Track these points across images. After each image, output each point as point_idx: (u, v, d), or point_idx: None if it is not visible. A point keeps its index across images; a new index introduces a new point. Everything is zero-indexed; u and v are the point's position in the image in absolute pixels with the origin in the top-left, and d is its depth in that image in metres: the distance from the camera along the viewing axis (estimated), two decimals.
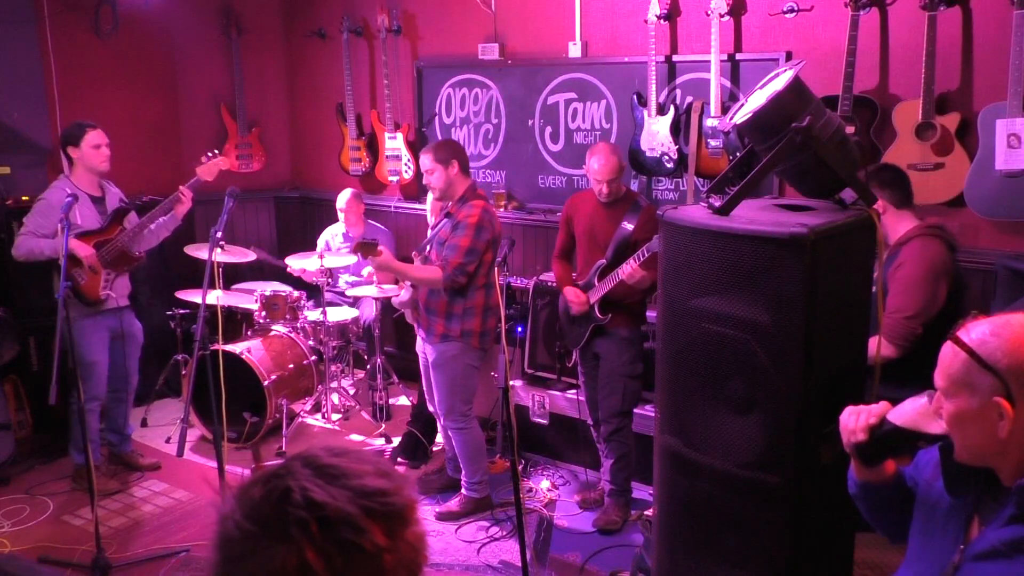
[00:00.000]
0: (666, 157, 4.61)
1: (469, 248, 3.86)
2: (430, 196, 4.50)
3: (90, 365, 4.27)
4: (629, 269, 3.78)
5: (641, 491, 4.24)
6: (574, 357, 4.33)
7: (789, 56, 4.26)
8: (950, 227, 3.74)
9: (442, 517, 4.17)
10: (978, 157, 3.74)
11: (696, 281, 2.24)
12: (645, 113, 4.64)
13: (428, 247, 4.08)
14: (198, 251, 5.04)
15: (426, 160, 3.98)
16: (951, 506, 1.66)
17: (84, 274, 4.20)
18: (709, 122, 4.40)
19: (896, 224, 3.24)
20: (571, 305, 4.03)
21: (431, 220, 4.60)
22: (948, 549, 1.63)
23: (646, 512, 3.90)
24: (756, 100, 2.35)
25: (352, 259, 5.45)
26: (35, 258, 4.18)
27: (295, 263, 5.35)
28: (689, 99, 4.60)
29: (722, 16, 4.28)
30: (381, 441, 5.04)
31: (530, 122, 5.32)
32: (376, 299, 5.17)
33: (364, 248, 3.89)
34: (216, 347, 4.30)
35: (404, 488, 1.03)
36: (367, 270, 4.92)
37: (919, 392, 1.67)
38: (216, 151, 4.57)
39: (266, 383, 4.85)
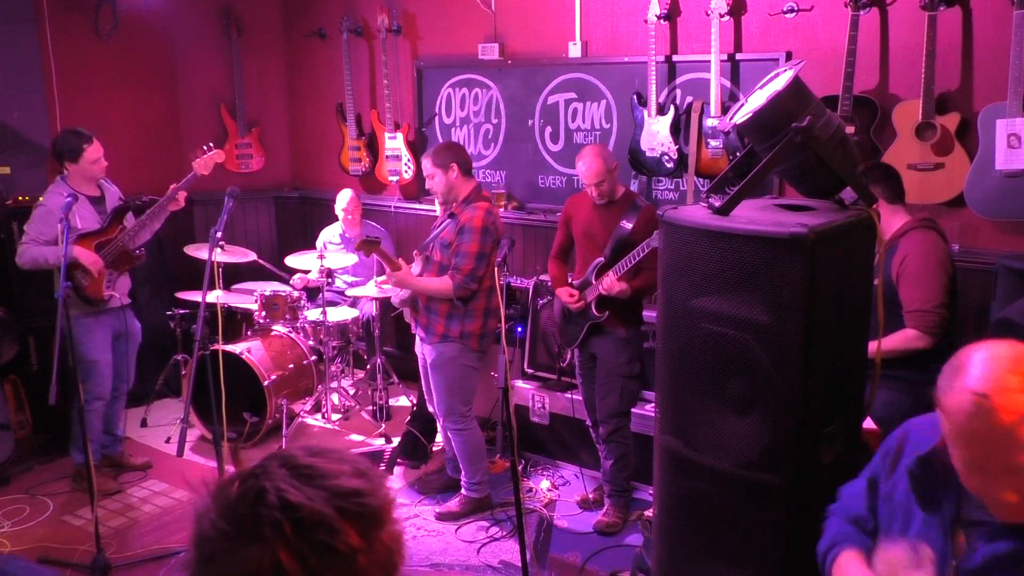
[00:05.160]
0: (666, 157, 4.61)
1: (478, 253, 3.86)
2: None
3: (93, 364, 4.27)
4: (607, 283, 3.79)
5: (641, 491, 4.24)
6: (568, 357, 4.33)
7: (789, 56, 4.26)
8: (950, 227, 3.77)
9: (442, 517, 4.17)
10: (978, 157, 3.74)
11: (696, 281, 2.24)
12: (645, 113, 4.64)
13: (430, 246, 4.08)
14: (198, 251, 5.04)
15: (426, 165, 4.00)
16: (924, 521, 1.65)
17: (87, 275, 4.20)
18: (709, 122, 4.40)
19: (890, 219, 3.35)
20: (564, 302, 4.03)
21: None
22: (938, 564, 1.61)
23: (646, 512, 3.90)
24: (756, 100, 2.35)
25: (351, 259, 5.45)
26: (40, 266, 4.17)
27: (295, 262, 5.36)
28: (689, 99, 4.59)
29: (722, 16, 4.28)
30: (381, 441, 5.04)
31: (530, 122, 5.31)
32: (375, 299, 5.17)
33: (367, 245, 3.88)
34: (216, 347, 4.30)
35: (380, 488, 1.03)
36: (376, 280, 4.92)
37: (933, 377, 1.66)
38: (211, 144, 4.56)
39: (266, 383, 4.85)
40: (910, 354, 3.17)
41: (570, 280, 4.12)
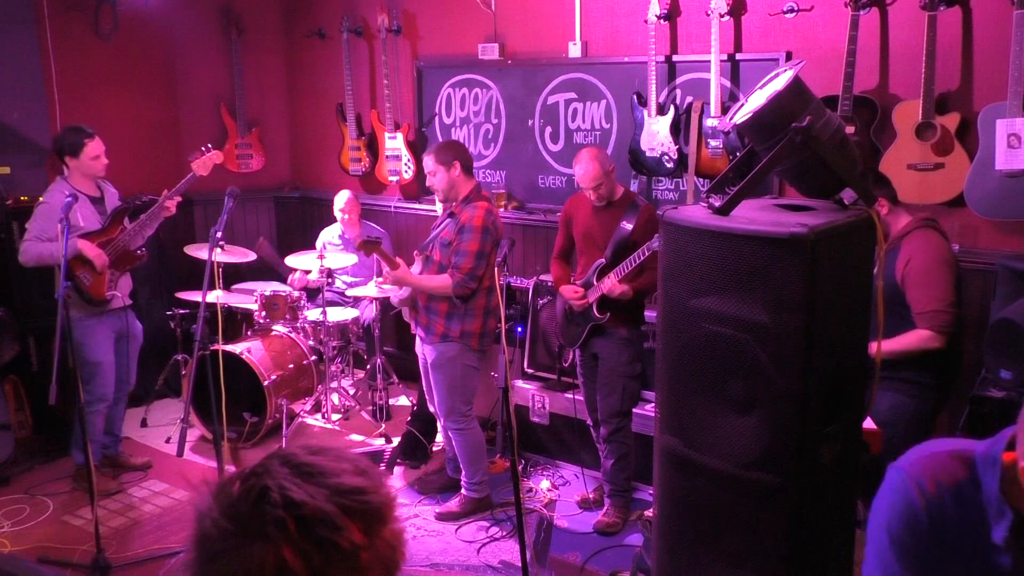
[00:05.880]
0: (666, 157, 4.61)
1: (478, 252, 3.86)
2: None
3: (96, 365, 4.27)
4: (609, 284, 3.79)
5: (641, 491, 4.24)
6: (571, 357, 4.33)
7: (789, 56, 4.26)
8: (950, 227, 3.78)
9: (442, 517, 4.17)
10: (978, 157, 3.74)
11: (696, 281, 2.23)
12: (645, 113, 4.64)
13: (430, 246, 4.08)
14: (198, 251, 5.04)
15: (428, 162, 3.99)
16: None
17: (89, 275, 4.19)
18: (709, 122, 4.40)
19: (895, 220, 3.36)
20: (570, 300, 4.03)
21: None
22: None
23: (646, 512, 3.90)
24: (756, 100, 2.35)
25: (351, 259, 5.45)
26: (44, 263, 4.15)
27: (295, 262, 5.36)
28: (689, 99, 4.59)
29: (722, 16, 4.28)
30: (381, 441, 5.04)
31: (530, 122, 5.31)
32: (375, 299, 5.17)
33: (368, 246, 3.88)
34: (216, 347, 4.30)
35: (382, 486, 1.03)
36: (377, 281, 4.93)
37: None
38: (210, 145, 4.55)
39: (266, 383, 4.85)
40: (918, 356, 3.17)
41: (572, 280, 4.13)
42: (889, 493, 1.55)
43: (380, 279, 4.95)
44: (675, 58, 4.66)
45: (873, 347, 2.43)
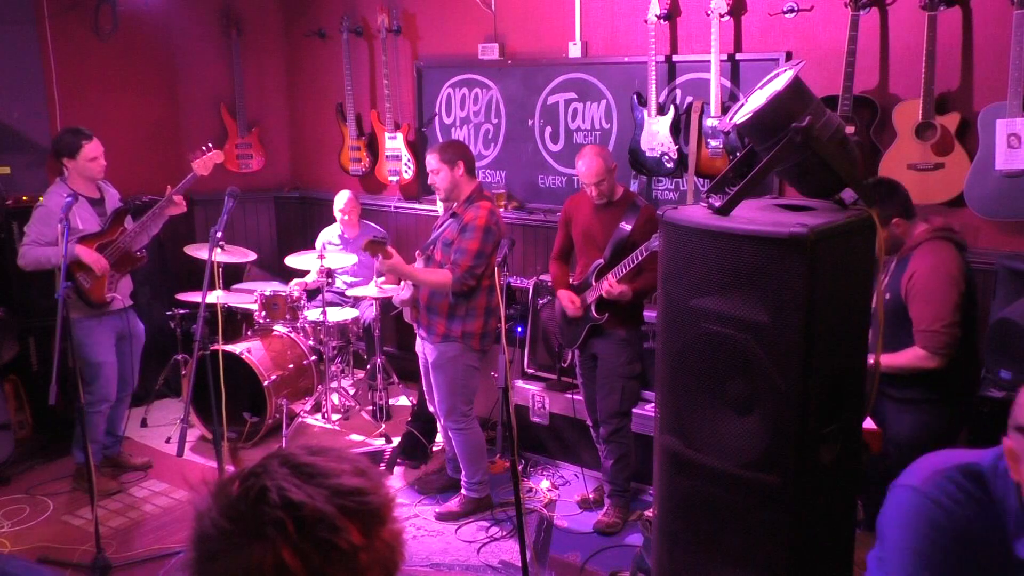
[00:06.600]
0: (666, 157, 4.61)
1: (478, 251, 3.85)
2: None
3: (98, 366, 4.27)
4: (607, 285, 3.79)
5: (641, 491, 4.24)
6: (569, 357, 4.33)
7: (789, 56, 4.26)
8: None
9: (442, 517, 4.17)
10: (978, 157, 3.74)
11: (696, 281, 2.24)
12: (645, 113, 4.64)
13: (432, 246, 4.08)
14: (198, 251, 5.04)
15: (431, 160, 3.97)
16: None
17: (89, 278, 4.19)
18: (709, 122, 4.40)
19: (911, 229, 3.23)
20: (565, 308, 4.03)
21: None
22: None
23: (646, 512, 3.90)
24: (756, 100, 2.35)
25: (351, 259, 5.45)
26: (42, 267, 4.15)
27: (295, 262, 5.36)
28: (689, 99, 4.59)
29: (722, 16, 4.28)
30: (381, 441, 5.04)
31: (530, 122, 5.31)
32: (375, 299, 5.17)
33: (373, 246, 3.87)
34: (216, 347, 4.30)
35: (381, 487, 1.03)
36: (377, 281, 4.92)
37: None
38: (210, 144, 4.54)
39: (266, 383, 4.85)
40: (919, 373, 3.10)
41: (570, 281, 4.12)
42: (908, 514, 1.52)
43: (381, 279, 4.96)
44: (675, 58, 4.66)
45: (872, 359, 2.42)
